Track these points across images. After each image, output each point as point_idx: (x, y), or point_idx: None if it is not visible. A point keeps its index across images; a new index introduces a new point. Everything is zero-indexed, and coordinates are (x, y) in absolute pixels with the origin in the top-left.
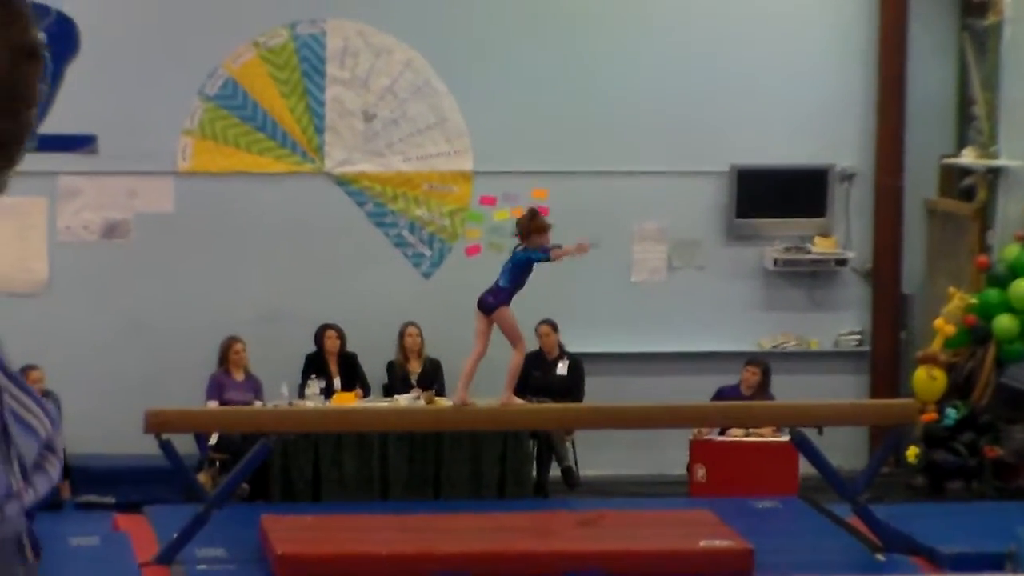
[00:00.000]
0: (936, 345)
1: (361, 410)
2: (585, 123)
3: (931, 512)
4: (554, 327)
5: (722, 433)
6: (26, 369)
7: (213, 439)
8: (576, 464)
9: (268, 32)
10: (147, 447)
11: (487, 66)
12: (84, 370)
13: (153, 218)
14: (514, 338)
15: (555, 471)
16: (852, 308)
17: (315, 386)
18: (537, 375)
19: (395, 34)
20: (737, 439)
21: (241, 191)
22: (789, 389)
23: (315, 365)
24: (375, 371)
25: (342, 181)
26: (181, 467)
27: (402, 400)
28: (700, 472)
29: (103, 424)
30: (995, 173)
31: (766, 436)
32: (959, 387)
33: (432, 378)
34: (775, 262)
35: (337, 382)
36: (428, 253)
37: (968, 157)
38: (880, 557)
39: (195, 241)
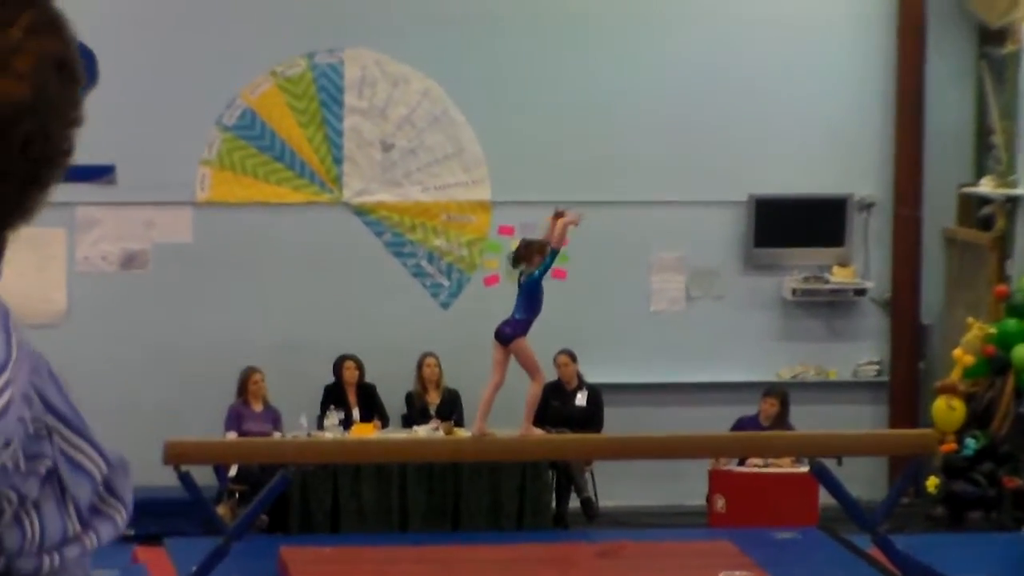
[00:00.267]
0: (955, 375)
1: (380, 441)
2: (603, 153)
3: (951, 542)
4: (573, 357)
5: (741, 463)
6: None
7: (232, 470)
8: (595, 495)
9: (286, 62)
10: (166, 479)
11: (505, 96)
12: (102, 401)
13: (171, 248)
14: (531, 369)
15: (574, 502)
16: (871, 338)
17: (334, 417)
18: (556, 405)
19: (412, 64)
20: (756, 470)
21: (259, 221)
22: (808, 419)
23: (334, 396)
24: (394, 402)
25: (360, 211)
26: (200, 499)
27: (421, 431)
28: (719, 503)
29: (109, 449)
30: (1014, 202)
31: (785, 467)
32: (978, 417)
33: (451, 409)
34: (793, 292)
35: (356, 413)
36: (446, 283)
37: (986, 186)
38: None
39: (213, 271)
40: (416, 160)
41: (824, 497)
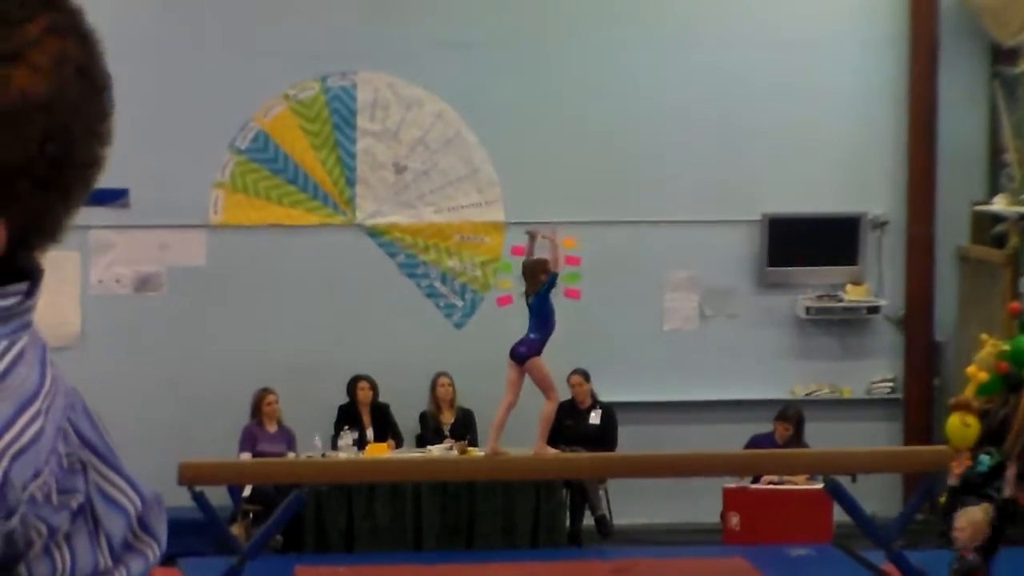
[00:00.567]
0: (969, 392)
1: (394, 460)
2: (616, 173)
3: None
4: (586, 376)
5: (755, 481)
6: None
7: (246, 491)
8: (610, 513)
9: (299, 85)
10: (180, 499)
11: (518, 117)
12: (117, 422)
13: (185, 271)
14: (546, 388)
15: (588, 520)
16: (885, 355)
17: (348, 437)
18: (570, 424)
19: (425, 86)
20: (771, 487)
21: (273, 244)
22: (822, 437)
23: (348, 416)
24: (408, 422)
25: (373, 233)
26: (215, 519)
27: (435, 450)
28: (734, 520)
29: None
30: None
31: (800, 484)
32: (992, 434)
33: (465, 428)
34: (807, 310)
35: (370, 433)
36: (460, 304)
37: (1000, 204)
38: None
39: (227, 294)
40: (429, 182)
41: (838, 514)
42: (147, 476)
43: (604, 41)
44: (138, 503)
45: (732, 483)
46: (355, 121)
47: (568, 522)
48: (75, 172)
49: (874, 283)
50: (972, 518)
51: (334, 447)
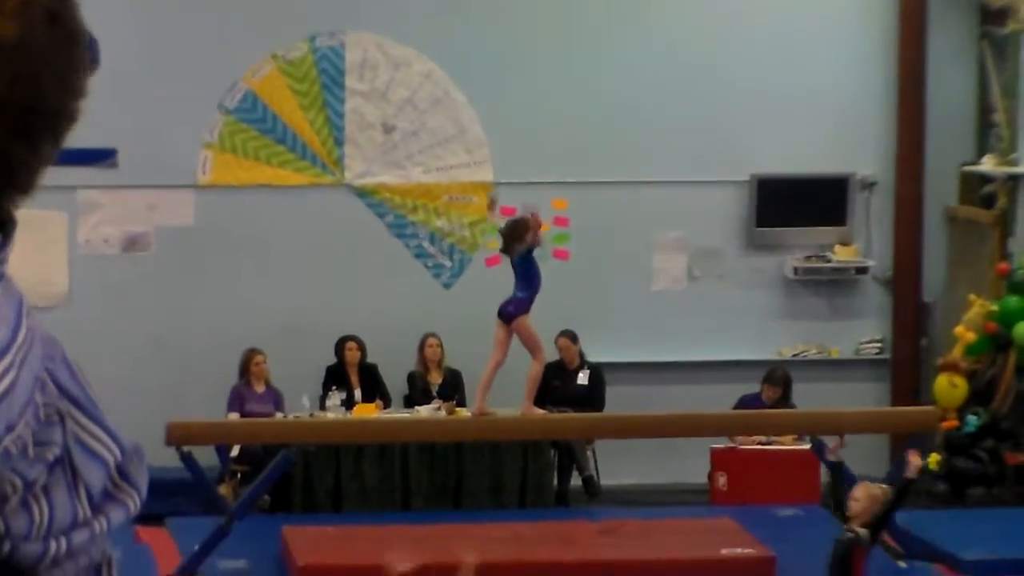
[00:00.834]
0: (957, 352)
1: (382, 421)
2: (605, 133)
3: (953, 519)
4: (574, 338)
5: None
6: None
7: (234, 451)
8: (597, 473)
9: (287, 45)
10: (168, 459)
11: (506, 77)
12: (104, 383)
13: (173, 231)
14: (533, 347)
15: (576, 480)
16: (873, 316)
17: (336, 397)
18: (558, 385)
19: (414, 46)
20: (758, 447)
21: (261, 204)
22: (810, 397)
23: (336, 377)
24: (396, 382)
25: (362, 193)
26: (202, 479)
27: (423, 411)
28: (721, 480)
29: (124, 436)
30: (1015, 180)
31: (787, 444)
32: (980, 394)
33: (453, 388)
34: (795, 271)
35: (358, 393)
36: (448, 264)
37: (988, 164)
38: (902, 564)
39: (215, 254)
40: (418, 142)
41: (826, 474)
42: (135, 436)
43: (593, 2)
44: (117, 453)
45: (720, 444)
46: (343, 81)
47: (556, 482)
48: (45, 120)
49: (862, 244)
50: (870, 492)
51: (322, 407)
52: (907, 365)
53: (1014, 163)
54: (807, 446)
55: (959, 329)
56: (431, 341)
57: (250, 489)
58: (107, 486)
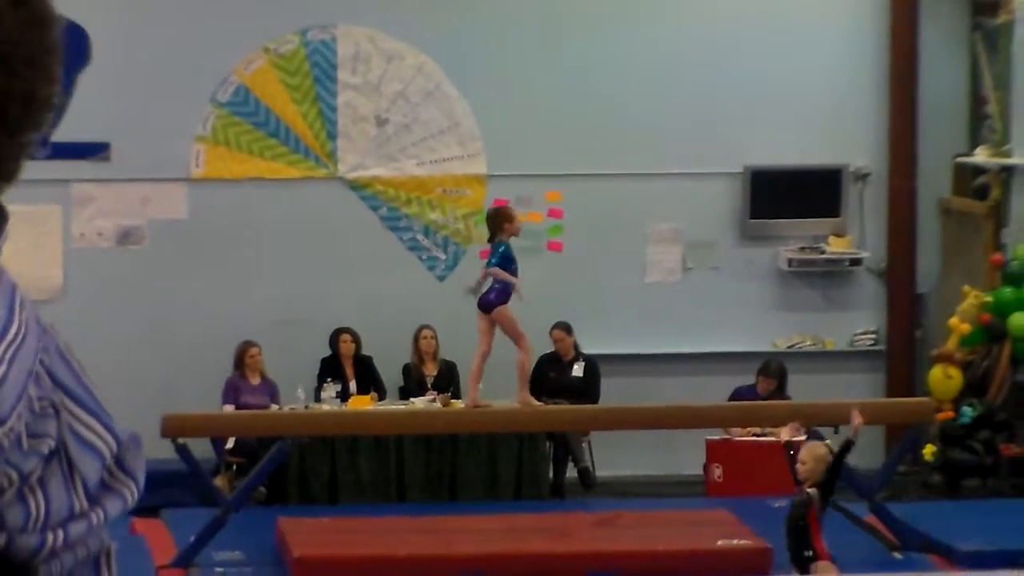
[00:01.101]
0: (951, 343)
1: (377, 413)
2: (598, 125)
3: (948, 510)
4: (568, 329)
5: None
6: None
7: (229, 443)
8: (592, 465)
9: (279, 38)
10: (164, 451)
11: (499, 69)
12: (100, 376)
13: (167, 225)
14: (515, 336)
15: (571, 472)
16: (867, 307)
17: (331, 389)
18: (553, 377)
19: (406, 39)
20: (754, 439)
21: (254, 197)
22: (805, 389)
23: (331, 368)
24: (391, 374)
25: (355, 186)
26: (198, 471)
27: (418, 403)
28: (717, 472)
29: (120, 426)
30: (1008, 171)
31: (782, 436)
32: (975, 385)
33: (448, 380)
34: (790, 262)
35: (353, 385)
36: (442, 256)
37: (981, 156)
38: (897, 555)
39: (209, 247)
40: (411, 135)
41: None
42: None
43: None
44: (113, 445)
45: (715, 435)
46: (336, 74)
47: (551, 474)
48: (18, 105)
49: (856, 235)
50: (815, 452)
51: (317, 399)
52: (901, 357)
53: (1007, 154)
54: (802, 438)
55: (953, 320)
56: (425, 333)
57: (246, 481)
58: (104, 477)
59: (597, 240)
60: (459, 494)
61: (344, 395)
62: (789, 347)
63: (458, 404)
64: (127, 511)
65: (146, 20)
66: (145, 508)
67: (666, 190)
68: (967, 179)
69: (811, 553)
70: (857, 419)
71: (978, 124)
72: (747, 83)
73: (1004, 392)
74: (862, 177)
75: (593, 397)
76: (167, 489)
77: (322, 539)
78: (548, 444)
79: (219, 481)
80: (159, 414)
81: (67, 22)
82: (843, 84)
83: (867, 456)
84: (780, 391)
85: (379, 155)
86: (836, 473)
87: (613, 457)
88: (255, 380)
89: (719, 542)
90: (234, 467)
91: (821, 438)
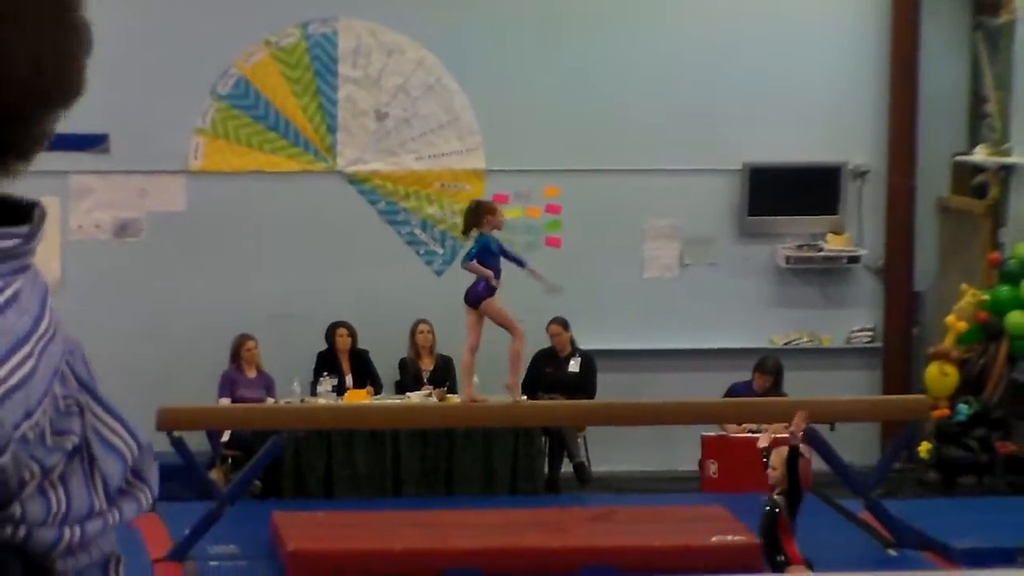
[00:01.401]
0: (948, 341)
1: (373, 407)
2: (597, 121)
3: (943, 507)
4: (565, 325)
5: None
6: None
7: (225, 436)
8: (588, 460)
9: (280, 32)
10: (159, 444)
11: (499, 64)
12: (96, 368)
13: (165, 217)
14: (508, 326)
15: (567, 467)
16: (864, 305)
17: (327, 383)
18: (549, 372)
19: (407, 33)
20: (749, 435)
21: (253, 190)
22: (801, 385)
23: (327, 362)
24: (387, 368)
25: (354, 180)
26: (193, 464)
27: (414, 397)
28: (712, 468)
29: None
30: (1007, 170)
31: (778, 432)
32: (971, 383)
33: (444, 375)
34: (787, 259)
35: (349, 379)
36: (440, 251)
37: (980, 154)
38: (892, 552)
39: (207, 240)
40: (410, 129)
41: (817, 462)
42: None
43: None
44: (135, 448)
45: (710, 431)
46: (336, 68)
47: (546, 469)
48: (12, 81)
49: (854, 233)
50: (783, 456)
51: (313, 393)
52: (898, 354)
53: (1006, 153)
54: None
55: (950, 318)
56: (422, 327)
57: (241, 474)
58: (122, 482)
59: (595, 236)
60: (455, 489)
61: (340, 389)
62: (786, 344)
63: (454, 399)
64: (141, 514)
65: (147, 12)
66: (153, 503)
67: (664, 186)
68: (966, 178)
69: (783, 558)
70: (797, 422)
71: (977, 123)
72: (746, 80)
73: (1000, 390)
74: (861, 175)
75: (589, 392)
76: (162, 482)
77: (317, 533)
78: (544, 439)
79: (214, 474)
80: (155, 407)
81: None
82: (843, 82)
83: (863, 453)
84: (776, 388)
85: (378, 149)
86: (796, 480)
87: (609, 453)
88: (251, 373)
89: (713, 538)
90: (229, 460)
91: (817, 434)
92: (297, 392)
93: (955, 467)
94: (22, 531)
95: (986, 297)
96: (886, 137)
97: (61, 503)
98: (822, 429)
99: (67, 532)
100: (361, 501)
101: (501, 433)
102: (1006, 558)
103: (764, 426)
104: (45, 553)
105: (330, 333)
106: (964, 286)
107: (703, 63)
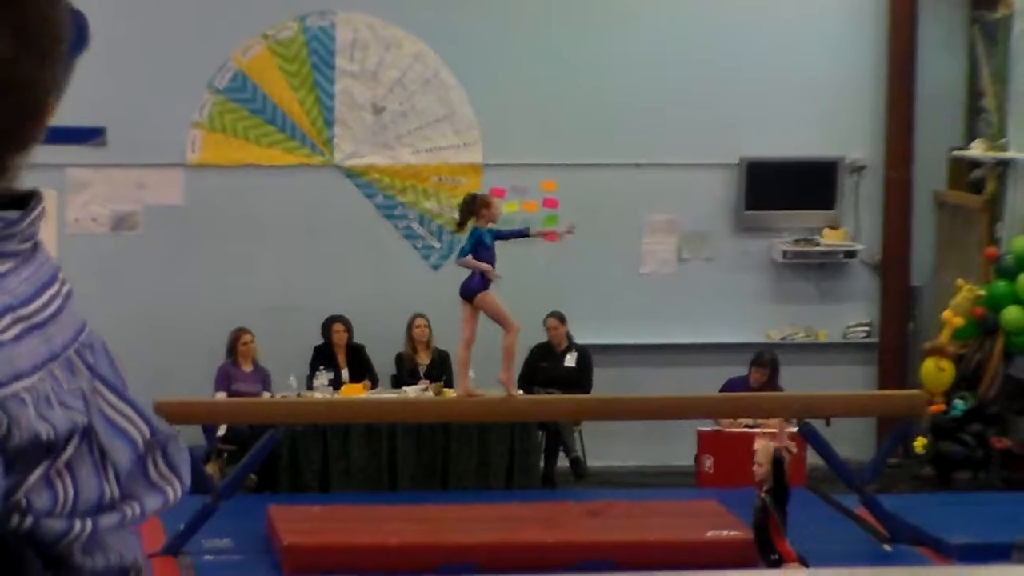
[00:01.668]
0: (944, 337)
1: (369, 401)
2: (594, 115)
3: (938, 503)
4: (562, 319)
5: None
6: None
7: (221, 430)
8: (584, 455)
9: (278, 25)
10: None
11: (496, 59)
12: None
13: (162, 210)
14: (502, 320)
15: (563, 462)
16: (861, 300)
17: (323, 377)
18: (545, 366)
19: (404, 27)
20: (744, 430)
21: (250, 184)
22: (797, 380)
23: (323, 357)
24: (384, 362)
25: (351, 174)
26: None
27: (410, 391)
28: (707, 463)
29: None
30: (1004, 165)
31: (774, 427)
32: (967, 378)
33: (440, 369)
34: (784, 254)
35: (345, 374)
36: (437, 245)
37: (977, 149)
38: (887, 547)
39: (204, 233)
40: (407, 123)
41: (812, 457)
42: None
43: None
44: (146, 431)
45: (706, 426)
46: (334, 61)
47: (542, 464)
48: (5, 69)
49: (851, 227)
50: (769, 452)
51: (309, 387)
52: (894, 349)
53: (1003, 148)
54: (793, 429)
55: (947, 313)
56: (419, 322)
57: (236, 468)
58: (148, 471)
59: (592, 230)
60: (451, 483)
61: (336, 383)
62: (782, 338)
63: (450, 393)
64: (167, 508)
65: (144, 5)
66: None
67: (661, 181)
68: (962, 173)
69: (776, 556)
70: (778, 435)
71: (974, 118)
72: (743, 74)
73: (996, 385)
74: (858, 169)
75: (585, 387)
76: None
77: (313, 527)
78: (540, 434)
79: (210, 468)
80: (151, 400)
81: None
82: (840, 76)
83: (858, 448)
84: (772, 382)
85: (375, 143)
86: (783, 482)
87: (604, 447)
88: (247, 367)
89: (709, 533)
90: (225, 454)
91: (813, 430)
92: (293, 386)
93: (950, 462)
94: (28, 520)
95: (982, 292)
96: (883, 132)
97: (69, 492)
98: (818, 424)
99: (77, 524)
100: (357, 495)
101: (497, 428)
102: (1001, 553)
103: (760, 421)
104: (54, 544)
105: (326, 327)
106: (960, 281)
107: (700, 57)
